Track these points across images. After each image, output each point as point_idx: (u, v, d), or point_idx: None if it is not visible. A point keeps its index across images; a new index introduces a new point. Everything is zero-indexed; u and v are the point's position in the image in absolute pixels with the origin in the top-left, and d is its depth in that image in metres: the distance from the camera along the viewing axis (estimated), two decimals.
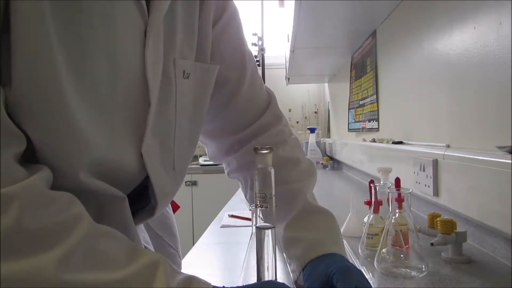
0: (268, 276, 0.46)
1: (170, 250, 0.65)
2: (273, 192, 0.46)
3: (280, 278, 0.51)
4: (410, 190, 0.69)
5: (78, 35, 0.41)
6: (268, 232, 0.46)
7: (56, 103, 0.40)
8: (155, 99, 0.49)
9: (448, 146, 0.95)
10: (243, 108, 0.67)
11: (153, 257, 0.41)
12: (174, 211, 0.88)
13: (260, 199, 0.45)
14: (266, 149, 0.46)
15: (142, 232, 0.64)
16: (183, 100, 0.55)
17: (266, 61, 3.29)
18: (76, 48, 0.41)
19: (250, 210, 0.52)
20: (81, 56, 0.42)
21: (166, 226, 0.69)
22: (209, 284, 0.42)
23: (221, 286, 0.43)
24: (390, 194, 0.69)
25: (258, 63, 3.16)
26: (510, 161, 0.65)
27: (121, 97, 0.46)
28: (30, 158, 0.41)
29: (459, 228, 0.74)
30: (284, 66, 2.71)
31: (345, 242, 0.86)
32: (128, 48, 0.46)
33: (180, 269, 0.70)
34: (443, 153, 0.91)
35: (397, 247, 0.67)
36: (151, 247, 0.66)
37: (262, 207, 0.45)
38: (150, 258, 0.41)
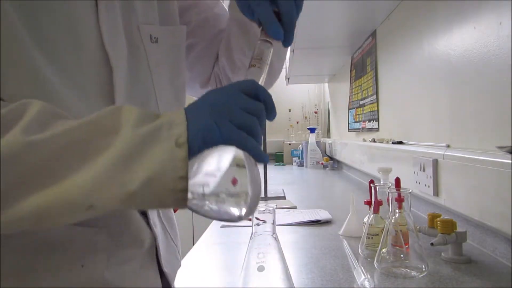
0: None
1: (171, 243, 0.65)
2: (268, 62, 0.53)
3: (281, 279, 0.51)
4: (410, 190, 0.69)
5: (35, 8, 0.44)
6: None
7: (26, 68, 0.43)
8: (118, 65, 0.51)
9: (448, 146, 0.95)
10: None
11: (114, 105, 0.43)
12: (174, 211, 0.88)
13: (256, 60, 0.52)
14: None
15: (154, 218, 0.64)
16: (157, 64, 0.58)
17: None
18: (35, 19, 0.44)
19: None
20: (41, 26, 0.45)
21: (170, 220, 0.69)
22: (181, 111, 0.42)
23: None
24: (390, 194, 0.69)
25: None
26: (510, 161, 0.65)
27: (85, 64, 0.49)
28: None
29: (459, 228, 0.74)
30: (284, 66, 2.71)
31: (345, 242, 0.86)
32: (83, 17, 0.49)
33: (179, 267, 0.70)
34: (443, 153, 0.91)
35: (397, 247, 0.67)
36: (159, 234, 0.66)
37: (255, 66, 0.51)
38: (112, 106, 0.42)
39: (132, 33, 0.55)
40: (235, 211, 0.40)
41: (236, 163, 0.40)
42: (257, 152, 0.42)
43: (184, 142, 0.39)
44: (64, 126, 0.39)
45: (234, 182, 0.40)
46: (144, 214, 0.56)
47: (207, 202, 0.39)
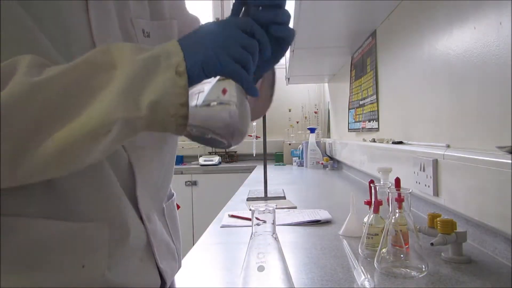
0: None
1: (170, 243, 0.65)
2: None
3: (281, 279, 0.51)
4: (410, 190, 0.69)
5: (25, 5, 0.45)
6: None
7: None
8: None
9: (448, 146, 0.95)
10: None
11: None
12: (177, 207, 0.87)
13: None
14: None
15: (160, 219, 0.64)
16: None
17: None
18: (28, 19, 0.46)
19: (250, 210, 0.52)
20: (32, 22, 0.46)
21: (173, 219, 0.69)
22: (174, 41, 0.45)
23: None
24: (390, 194, 0.69)
25: None
26: (510, 161, 0.65)
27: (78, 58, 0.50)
28: None
29: (459, 228, 0.74)
30: (284, 66, 2.71)
31: (345, 242, 0.86)
32: (72, 13, 0.50)
33: (180, 267, 0.70)
34: (443, 153, 0.91)
35: (397, 247, 0.67)
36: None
37: None
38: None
39: (127, 27, 0.56)
40: (225, 139, 0.46)
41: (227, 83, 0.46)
42: (249, 85, 0.46)
43: (183, 71, 0.42)
44: (60, 69, 0.42)
45: (224, 91, 0.46)
46: (136, 208, 0.56)
47: (202, 130, 0.45)
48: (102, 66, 0.42)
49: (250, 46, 0.46)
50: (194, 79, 0.43)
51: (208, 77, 0.45)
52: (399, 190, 0.69)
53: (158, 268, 0.59)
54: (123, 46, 0.43)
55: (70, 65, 0.42)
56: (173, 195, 0.73)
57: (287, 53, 2.15)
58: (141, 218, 0.56)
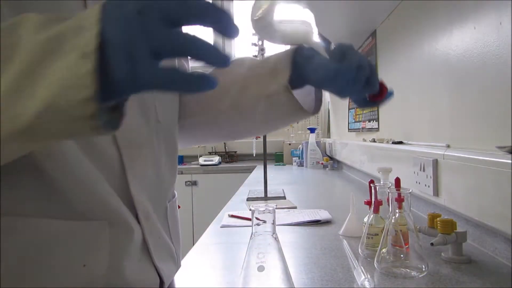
0: None
1: (168, 243, 0.64)
2: None
3: (281, 279, 0.51)
4: (410, 190, 0.69)
5: (22, 7, 0.41)
6: None
7: None
8: None
9: (448, 146, 0.95)
10: None
11: None
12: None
13: None
14: None
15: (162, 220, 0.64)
16: None
17: None
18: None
19: (250, 210, 0.52)
20: None
21: (174, 219, 0.69)
22: (96, 8, 0.32)
23: None
24: (390, 194, 0.69)
25: None
26: (510, 161, 0.65)
27: None
28: None
29: (459, 228, 0.74)
30: None
31: (345, 242, 0.86)
32: (71, 11, 0.48)
33: (179, 267, 0.70)
34: (443, 153, 0.91)
35: (397, 247, 0.67)
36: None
37: None
38: None
39: None
40: None
41: None
42: (190, 83, 0.31)
43: (91, 52, 0.29)
44: None
45: None
46: (133, 207, 0.56)
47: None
48: (4, 40, 0.31)
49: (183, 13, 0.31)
50: (111, 61, 0.30)
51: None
52: (399, 190, 0.69)
53: (156, 267, 0.59)
54: (34, 15, 0.32)
55: None
56: (174, 195, 0.72)
57: None
58: (137, 217, 0.56)
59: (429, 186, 0.97)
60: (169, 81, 0.31)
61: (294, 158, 3.06)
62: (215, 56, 0.31)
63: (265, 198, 1.50)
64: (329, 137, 3.26)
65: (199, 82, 0.31)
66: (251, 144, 2.98)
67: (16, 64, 0.30)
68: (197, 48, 0.31)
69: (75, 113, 0.30)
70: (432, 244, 0.71)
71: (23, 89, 0.30)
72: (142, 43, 0.30)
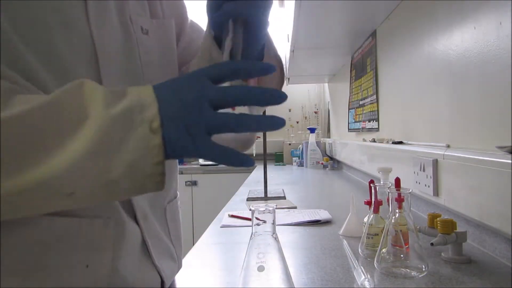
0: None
1: (168, 243, 0.64)
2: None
3: (281, 279, 0.51)
4: (410, 190, 0.69)
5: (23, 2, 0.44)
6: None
7: (15, 63, 0.43)
8: (106, 57, 0.51)
9: (448, 146, 0.95)
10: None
11: (75, 81, 0.40)
12: None
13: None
14: None
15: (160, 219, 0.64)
16: (148, 56, 0.58)
17: None
18: (22, 13, 0.44)
19: (250, 210, 0.52)
20: (28, 21, 0.45)
21: (175, 221, 0.69)
22: (149, 88, 0.40)
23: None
24: (390, 194, 0.69)
25: None
26: (510, 161, 0.65)
27: (75, 56, 0.49)
28: None
29: (459, 228, 0.74)
30: (284, 66, 2.71)
31: (345, 242, 0.86)
32: (72, 10, 0.49)
33: (180, 267, 0.70)
34: (443, 153, 0.91)
35: (397, 247, 0.67)
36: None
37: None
38: (72, 82, 0.40)
39: (126, 23, 0.56)
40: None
41: None
42: (240, 161, 0.39)
43: (158, 128, 0.38)
44: (26, 105, 0.37)
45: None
46: (131, 208, 0.56)
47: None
48: (73, 109, 0.37)
49: (225, 101, 0.39)
50: (169, 135, 0.38)
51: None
52: (399, 190, 0.69)
53: (156, 268, 0.59)
54: (95, 91, 0.39)
55: (40, 102, 0.37)
56: (176, 196, 0.72)
57: (287, 53, 2.15)
58: (135, 217, 0.56)
59: (429, 186, 0.97)
60: (223, 156, 0.39)
61: (294, 158, 3.06)
62: (256, 128, 0.39)
63: (265, 198, 1.50)
64: (329, 137, 3.26)
65: (242, 160, 0.39)
66: None
67: (92, 130, 0.36)
68: (242, 125, 0.39)
69: (148, 173, 0.38)
70: (432, 244, 0.71)
71: (106, 151, 0.37)
72: (198, 123, 0.38)
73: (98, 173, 0.37)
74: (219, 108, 0.40)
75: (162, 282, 0.61)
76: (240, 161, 0.39)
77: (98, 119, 0.37)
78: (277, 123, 0.39)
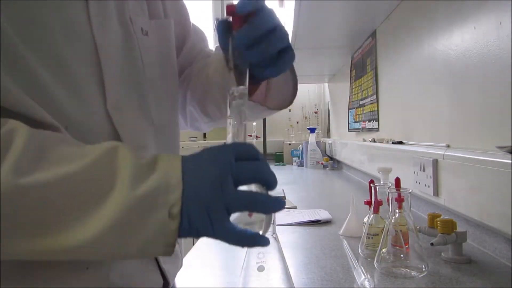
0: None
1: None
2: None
3: (281, 279, 0.51)
4: (410, 190, 0.69)
5: (25, 4, 0.44)
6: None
7: (17, 65, 0.43)
8: (108, 57, 0.51)
9: (448, 146, 0.95)
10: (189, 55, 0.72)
11: (109, 144, 0.41)
12: None
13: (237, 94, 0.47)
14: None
15: None
16: (148, 56, 0.58)
17: None
18: (24, 16, 0.44)
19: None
20: (31, 22, 0.45)
21: None
22: (178, 156, 0.42)
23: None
24: (390, 194, 0.69)
25: None
26: (510, 161, 0.65)
27: (77, 57, 0.48)
28: None
29: (459, 228, 0.74)
30: None
31: (345, 242, 0.86)
32: (73, 10, 0.49)
33: (181, 266, 0.70)
34: (443, 153, 0.91)
35: (397, 247, 0.67)
36: None
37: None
38: (106, 145, 0.41)
39: (126, 24, 0.56)
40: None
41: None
42: (255, 243, 0.41)
43: (177, 214, 0.39)
44: (55, 170, 0.38)
45: (250, 215, 0.44)
46: None
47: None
48: (101, 181, 0.39)
49: (247, 179, 0.41)
50: (185, 222, 0.39)
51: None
52: (399, 190, 0.69)
53: (160, 268, 0.59)
54: (126, 161, 0.40)
55: (68, 171, 0.38)
56: None
57: None
58: None
59: (429, 186, 0.97)
60: (238, 241, 0.40)
61: (294, 158, 3.06)
62: (272, 208, 0.41)
63: None
64: (329, 137, 3.26)
65: (257, 243, 0.41)
66: None
67: (116, 208, 0.38)
68: (258, 205, 0.41)
69: (161, 251, 0.40)
70: (432, 244, 0.71)
71: (126, 230, 0.38)
72: (220, 205, 0.39)
73: (113, 249, 0.39)
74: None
75: (166, 283, 0.61)
76: (255, 244, 0.41)
77: (123, 198, 0.38)
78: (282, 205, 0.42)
